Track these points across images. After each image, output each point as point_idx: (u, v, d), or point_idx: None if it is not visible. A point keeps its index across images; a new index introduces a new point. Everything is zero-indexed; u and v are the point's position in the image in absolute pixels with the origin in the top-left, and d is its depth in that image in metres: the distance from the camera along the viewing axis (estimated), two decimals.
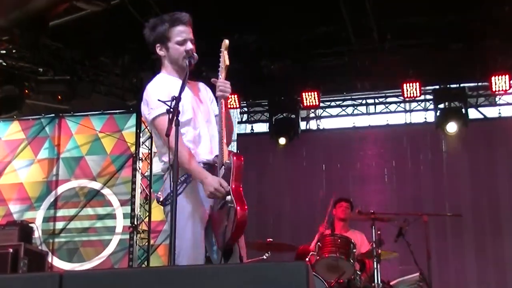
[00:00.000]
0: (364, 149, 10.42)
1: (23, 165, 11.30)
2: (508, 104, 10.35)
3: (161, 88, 3.59)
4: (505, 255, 9.38)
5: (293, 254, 6.52)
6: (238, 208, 3.42)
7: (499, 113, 10.39)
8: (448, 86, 10.09)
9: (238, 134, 11.33)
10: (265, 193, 10.29)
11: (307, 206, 10.16)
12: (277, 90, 10.46)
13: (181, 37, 3.61)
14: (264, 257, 6.08)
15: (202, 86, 3.86)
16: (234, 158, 3.51)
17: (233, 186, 3.46)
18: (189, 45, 3.62)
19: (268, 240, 6.19)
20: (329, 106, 11.17)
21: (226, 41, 3.60)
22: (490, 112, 10.56)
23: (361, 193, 9.90)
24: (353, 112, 11.10)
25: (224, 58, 3.59)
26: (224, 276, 2.85)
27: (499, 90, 9.45)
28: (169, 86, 3.54)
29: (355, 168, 10.33)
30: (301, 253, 6.38)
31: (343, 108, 11.14)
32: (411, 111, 11.18)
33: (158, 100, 3.38)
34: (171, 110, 3.22)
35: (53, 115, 11.37)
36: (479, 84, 10.14)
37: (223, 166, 3.51)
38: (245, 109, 11.31)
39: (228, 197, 3.44)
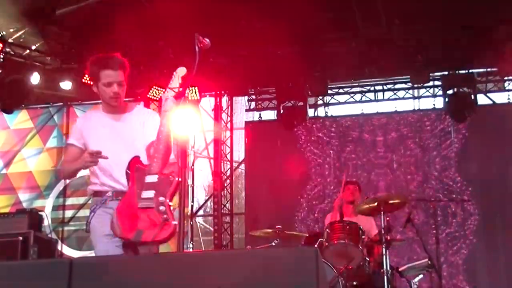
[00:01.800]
0: (372, 135, 10.37)
1: (32, 154, 11.35)
2: None
3: (84, 122, 4.15)
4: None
5: (302, 241, 6.52)
6: (173, 222, 3.47)
7: (508, 98, 10.31)
8: (456, 72, 10.00)
9: (246, 122, 11.34)
10: (273, 181, 10.30)
11: (316, 194, 10.18)
12: (284, 77, 10.40)
13: (107, 80, 3.95)
14: (273, 243, 6.09)
15: (135, 112, 4.14)
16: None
17: (168, 199, 3.53)
18: (114, 88, 3.97)
19: (277, 227, 6.18)
20: (337, 93, 11.13)
21: (184, 69, 3.84)
22: (499, 97, 10.50)
23: (369, 179, 9.89)
24: (361, 99, 11.06)
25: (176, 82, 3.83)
26: (233, 261, 2.85)
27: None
28: (92, 122, 4.09)
29: (363, 155, 10.29)
30: (310, 239, 6.37)
31: (351, 95, 11.10)
32: (419, 97, 11.12)
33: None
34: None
35: (61, 104, 11.41)
36: (488, 69, 10.06)
37: (157, 176, 3.62)
38: (253, 96, 11.28)
39: (162, 208, 3.49)
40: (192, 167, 11.43)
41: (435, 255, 6.35)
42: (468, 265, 9.38)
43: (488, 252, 9.42)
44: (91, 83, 4.05)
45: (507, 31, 9.00)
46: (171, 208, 3.53)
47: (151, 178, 3.59)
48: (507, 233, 9.40)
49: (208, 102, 11.72)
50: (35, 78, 9.53)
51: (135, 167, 3.72)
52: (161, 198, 3.51)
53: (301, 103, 10.53)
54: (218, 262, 2.85)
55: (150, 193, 3.54)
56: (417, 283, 6.28)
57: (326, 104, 11.24)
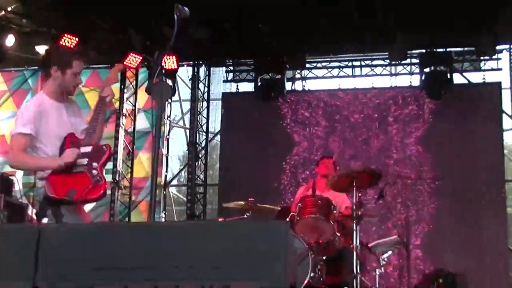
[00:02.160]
0: (349, 111, 10.40)
1: (5, 117, 11.19)
2: (492, 69, 10.35)
3: (35, 109, 4.05)
4: (483, 220, 9.51)
5: (274, 215, 6.53)
6: (105, 183, 3.90)
7: (483, 78, 10.41)
8: (434, 50, 10.06)
9: (224, 93, 11.28)
10: (249, 153, 10.30)
11: (291, 166, 10.21)
12: (263, 50, 10.35)
13: (78, 70, 4.09)
14: (245, 216, 6.09)
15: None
16: (110, 149, 4.08)
17: (100, 165, 3.93)
18: (79, 79, 4.17)
19: (249, 200, 6.17)
20: (315, 68, 11.12)
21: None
22: (475, 77, 10.59)
23: (344, 154, 9.95)
24: (338, 74, 11.06)
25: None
26: (203, 232, 2.85)
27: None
28: (44, 108, 4.06)
29: (339, 130, 10.31)
30: (281, 213, 6.39)
31: (329, 69, 11.09)
32: (396, 74, 11.19)
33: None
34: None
35: (36, 67, 11.22)
36: (465, 49, 10.13)
37: (91, 147, 3.98)
38: (231, 68, 11.21)
39: (94, 172, 3.89)
40: (168, 136, 11.38)
41: (404, 232, 6.42)
42: (436, 243, 9.52)
43: (452, 230, 9.57)
44: (53, 69, 4.06)
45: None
46: (104, 172, 3.94)
47: (85, 149, 3.96)
48: (472, 210, 9.53)
49: (186, 71, 11.64)
50: (10, 40, 9.35)
51: (69, 141, 4.03)
52: (94, 164, 3.92)
53: (279, 76, 10.53)
54: (189, 232, 2.85)
55: (84, 161, 3.92)
56: (385, 259, 6.34)
57: (304, 78, 11.24)
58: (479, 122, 9.93)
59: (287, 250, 2.73)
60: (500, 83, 10.32)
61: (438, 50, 10.07)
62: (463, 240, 9.47)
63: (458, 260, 9.15)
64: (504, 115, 10.24)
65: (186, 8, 3.83)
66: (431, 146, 9.97)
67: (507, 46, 10.32)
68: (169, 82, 10.15)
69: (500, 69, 10.39)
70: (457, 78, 10.38)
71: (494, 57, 10.20)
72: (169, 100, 10.97)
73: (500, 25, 9.18)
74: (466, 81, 10.59)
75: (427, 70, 10.17)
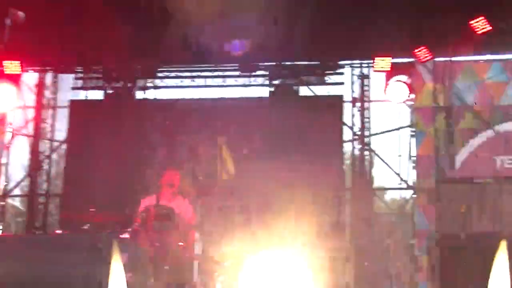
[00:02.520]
0: (197, 120, 10.49)
1: None
2: (336, 83, 10.92)
3: None
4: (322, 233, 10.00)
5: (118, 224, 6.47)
6: None
7: (328, 92, 10.97)
8: (282, 63, 10.45)
9: (72, 100, 10.96)
10: (97, 162, 10.06)
11: (140, 175, 10.10)
12: (114, 57, 10.18)
13: None
14: (85, 227, 5.97)
15: None
16: None
17: None
18: None
19: (90, 210, 6.08)
20: (167, 77, 11.13)
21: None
22: (320, 90, 11.12)
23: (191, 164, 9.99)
24: (190, 84, 11.15)
25: None
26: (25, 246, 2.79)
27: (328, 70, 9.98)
28: None
29: (186, 139, 10.36)
30: (124, 223, 6.34)
31: (181, 79, 11.14)
32: (249, 85, 11.43)
33: None
34: None
35: None
36: (311, 62, 10.61)
37: None
38: (81, 75, 10.91)
39: None
40: (9, 144, 10.82)
41: None
42: None
43: None
44: None
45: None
46: None
47: None
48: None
49: (31, 77, 11.14)
50: None
51: None
52: None
53: (129, 84, 10.42)
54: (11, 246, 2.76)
55: None
56: None
57: (156, 87, 11.19)
58: (322, 132, 10.42)
59: (111, 264, 2.73)
60: (342, 96, 10.92)
61: (287, 63, 10.47)
62: None
63: None
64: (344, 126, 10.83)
65: (21, 13, 3.74)
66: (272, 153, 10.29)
67: (349, 62, 10.92)
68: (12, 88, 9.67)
69: (342, 83, 11.00)
70: (304, 91, 10.87)
71: (338, 71, 10.80)
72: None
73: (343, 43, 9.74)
74: (312, 94, 11.11)
75: (276, 82, 10.57)
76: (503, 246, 2.87)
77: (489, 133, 10.23)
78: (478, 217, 5.98)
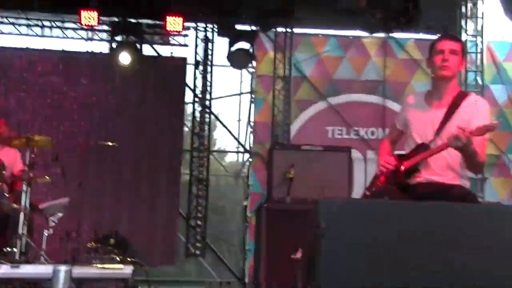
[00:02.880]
0: (35, 73, 9.96)
1: None
2: (180, 45, 10.85)
3: None
4: (159, 186, 10.02)
5: None
6: None
7: (171, 52, 10.87)
8: (126, 19, 10.16)
9: None
10: None
11: None
12: None
13: None
14: None
15: None
16: None
17: None
18: None
19: None
20: (1, 23, 10.40)
21: None
22: (163, 50, 11.01)
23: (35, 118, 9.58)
24: (27, 32, 10.51)
25: None
26: None
27: (173, 31, 9.84)
28: None
29: (24, 93, 9.85)
30: None
31: (16, 26, 10.47)
32: (91, 39, 11.00)
33: None
34: None
35: None
36: (156, 22, 10.41)
37: None
38: None
39: None
40: None
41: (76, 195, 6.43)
42: (111, 213, 9.67)
43: (128, 193, 9.88)
44: None
45: None
46: None
47: None
48: (150, 176, 10.01)
49: None
50: None
51: None
52: None
53: None
54: None
55: None
56: (55, 220, 6.31)
57: None
58: (164, 93, 10.37)
59: None
60: (185, 58, 10.88)
61: (130, 20, 10.19)
62: (139, 203, 9.87)
63: (132, 221, 9.55)
64: (187, 88, 10.83)
65: None
66: (116, 113, 10.10)
67: (194, 25, 10.87)
68: None
69: (187, 46, 10.94)
70: (147, 50, 10.70)
71: (182, 33, 10.70)
72: None
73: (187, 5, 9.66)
74: (155, 54, 10.95)
75: (118, 38, 10.27)
76: (320, 204, 3.09)
77: (322, 104, 10.78)
78: (304, 183, 6.28)
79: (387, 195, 3.71)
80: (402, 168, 3.83)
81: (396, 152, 4.05)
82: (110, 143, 7.06)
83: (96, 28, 10.40)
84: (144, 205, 9.88)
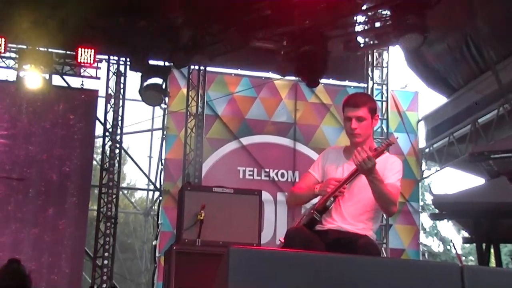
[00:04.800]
0: None
1: None
2: (91, 77, 10.64)
3: None
4: (66, 221, 9.67)
5: None
6: None
7: (82, 84, 10.63)
8: (36, 48, 9.86)
9: None
10: None
11: None
12: None
13: None
14: None
15: None
16: None
17: None
18: None
19: None
20: None
21: None
22: (74, 81, 10.76)
23: None
24: None
25: None
26: None
27: (84, 62, 9.64)
28: None
29: None
30: None
31: None
32: None
33: None
34: None
35: None
36: (67, 52, 10.18)
37: None
38: None
39: None
40: None
41: None
42: (16, 242, 9.31)
43: (34, 227, 9.51)
44: None
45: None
46: None
47: None
48: (58, 209, 9.66)
49: None
50: None
51: None
52: None
53: None
54: None
55: None
56: None
57: None
58: (73, 125, 10.10)
59: None
60: (97, 91, 10.67)
61: (41, 49, 9.91)
62: (42, 240, 9.47)
63: (35, 259, 9.16)
64: (97, 122, 10.61)
65: None
66: (22, 143, 9.75)
67: (106, 57, 10.71)
68: None
69: (99, 78, 10.75)
70: (57, 80, 10.42)
71: (94, 65, 10.50)
72: None
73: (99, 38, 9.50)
74: (65, 84, 10.68)
75: (26, 66, 9.94)
76: (230, 253, 3.05)
77: (234, 144, 10.85)
78: (214, 225, 6.23)
79: (299, 236, 3.75)
80: (315, 207, 3.93)
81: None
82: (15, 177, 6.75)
83: (3, 55, 10.07)
84: (48, 242, 9.48)
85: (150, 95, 9.95)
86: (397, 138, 5.01)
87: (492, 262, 3.92)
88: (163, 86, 10.00)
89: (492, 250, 3.76)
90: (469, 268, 2.70)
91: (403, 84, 11.91)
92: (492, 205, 3.40)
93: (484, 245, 3.75)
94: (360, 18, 9.11)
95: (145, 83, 9.91)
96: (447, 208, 3.65)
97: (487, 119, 9.77)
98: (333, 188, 3.84)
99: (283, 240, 4.03)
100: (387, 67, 11.43)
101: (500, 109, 9.23)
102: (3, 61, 10.44)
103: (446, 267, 2.84)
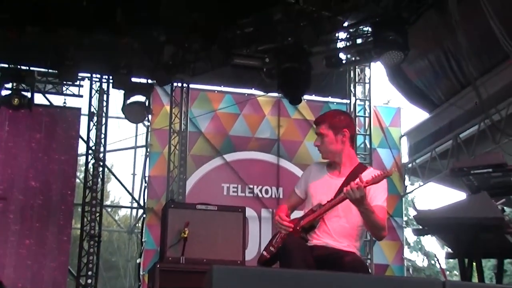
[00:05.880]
0: None
1: None
2: (74, 95, 10.62)
3: None
4: (48, 241, 9.59)
5: None
6: None
7: (64, 102, 10.61)
8: (18, 66, 9.83)
9: None
10: None
11: None
12: None
13: None
14: None
15: None
16: None
17: None
18: None
19: None
20: None
21: None
22: (56, 100, 10.72)
23: None
24: None
25: None
26: None
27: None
28: None
29: None
30: None
31: None
32: None
33: None
34: None
35: None
36: (49, 70, 10.14)
37: None
38: None
39: None
40: None
41: None
42: None
43: (18, 245, 9.42)
44: None
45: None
46: None
47: None
48: (40, 228, 9.57)
49: None
50: None
51: None
52: None
53: None
54: None
55: None
56: None
57: None
58: (57, 143, 10.05)
59: None
60: (80, 109, 10.64)
61: (23, 67, 9.87)
62: (24, 260, 9.38)
63: (17, 280, 9.06)
64: (80, 140, 10.56)
65: None
66: (6, 162, 9.68)
67: (89, 75, 10.69)
68: None
69: (81, 96, 10.72)
70: (39, 99, 10.37)
71: (76, 83, 10.49)
72: None
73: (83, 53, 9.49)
74: (48, 102, 10.64)
75: (8, 85, 9.89)
76: (213, 272, 3.05)
77: (218, 160, 10.84)
78: (199, 243, 6.20)
79: (290, 247, 3.73)
80: (300, 224, 3.90)
81: (293, 218, 4.11)
82: None
83: None
84: (31, 261, 9.38)
85: (133, 111, 9.93)
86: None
87: (475, 277, 3.94)
88: (146, 104, 10.01)
89: (474, 265, 3.78)
90: (451, 283, 2.70)
91: (385, 100, 11.99)
92: (473, 220, 3.41)
93: (466, 260, 3.76)
94: (342, 35, 9.20)
95: (128, 101, 9.91)
96: (429, 223, 3.66)
97: (469, 134, 9.86)
98: (319, 212, 3.85)
99: (268, 256, 4.04)
100: (369, 83, 11.52)
101: (481, 124, 9.32)
102: None
103: (429, 283, 2.86)
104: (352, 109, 11.22)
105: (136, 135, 12.43)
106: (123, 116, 10.20)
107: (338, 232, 3.88)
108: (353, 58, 9.74)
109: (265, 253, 4.12)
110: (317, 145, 3.97)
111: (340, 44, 9.19)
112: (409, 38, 7.88)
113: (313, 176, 4.06)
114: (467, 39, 8.06)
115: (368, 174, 3.87)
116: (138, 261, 10.61)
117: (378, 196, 3.81)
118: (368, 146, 11.08)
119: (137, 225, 12.71)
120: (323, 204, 3.87)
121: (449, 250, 3.95)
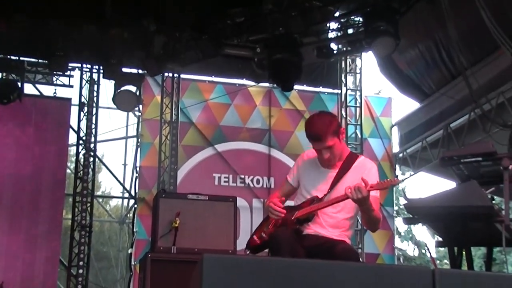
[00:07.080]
0: None
1: None
2: (64, 85, 10.58)
3: None
4: (39, 232, 9.57)
5: None
6: None
7: (55, 92, 10.58)
8: (8, 57, 9.76)
9: None
10: None
11: None
12: None
13: None
14: None
15: None
16: None
17: None
18: None
19: None
20: None
21: None
22: (47, 90, 10.69)
23: None
24: None
25: None
26: None
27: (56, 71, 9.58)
28: None
29: None
30: None
31: None
32: None
33: None
34: None
35: None
36: (39, 61, 10.09)
37: None
38: None
39: None
40: None
41: None
42: None
43: (7, 238, 9.39)
44: None
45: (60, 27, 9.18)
46: None
47: None
48: (31, 220, 9.55)
49: None
50: None
51: None
52: None
53: None
54: None
55: None
56: None
57: None
58: (47, 134, 10.01)
59: None
60: (70, 99, 10.60)
61: (12, 57, 9.80)
62: (16, 250, 9.37)
63: (8, 269, 9.05)
64: (70, 130, 10.53)
65: None
66: None
67: (79, 65, 10.64)
68: None
69: (72, 86, 10.69)
70: (29, 89, 10.33)
71: (66, 73, 10.44)
72: None
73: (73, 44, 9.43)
74: (38, 93, 10.60)
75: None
76: (204, 261, 3.06)
77: (209, 150, 10.84)
78: (190, 232, 6.21)
79: (281, 239, 3.73)
80: (296, 215, 3.90)
81: (286, 205, 4.11)
82: None
83: None
84: (22, 252, 9.37)
85: (124, 100, 9.87)
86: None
87: (465, 265, 3.97)
88: (137, 94, 9.97)
89: (464, 253, 3.81)
90: (440, 271, 2.73)
91: (376, 90, 12.00)
92: (462, 208, 3.43)
93: (456, 249, 3.79)
94: (333, 25, 9.19)
95: (119, 91, 9.87)
96: (418, 212, 3.69)
97: (459, 123, 9.90)
98: (317, 207, 3.87)
99: (259, 242, 4.04)
100: (360, 73, 11.53)
101: (472, 114, 9.37)
102: None
103: (418, 270, 2.88)
104: (343, 99, 11.24)
105: (127, 126, 12.40)
106: (113, 106, 10.15)
107: (330, 222, 3.90)
108: (344, 48, 9.73)
109: (255, 237, 4.11)
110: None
111: (331, 34, 9.17)
112: (400, 28, 7.88)
113: (306, 166, 4.06)
114: (458, 30, 8.08)
115: (361, 163, 3.90)
116: (129, 251, 10.62)
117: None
118: (359, 136, 11.11)
119: (128, 215, 12.70)
120: (319, 197, 3.89)
121: (439, 238, 3.98)
